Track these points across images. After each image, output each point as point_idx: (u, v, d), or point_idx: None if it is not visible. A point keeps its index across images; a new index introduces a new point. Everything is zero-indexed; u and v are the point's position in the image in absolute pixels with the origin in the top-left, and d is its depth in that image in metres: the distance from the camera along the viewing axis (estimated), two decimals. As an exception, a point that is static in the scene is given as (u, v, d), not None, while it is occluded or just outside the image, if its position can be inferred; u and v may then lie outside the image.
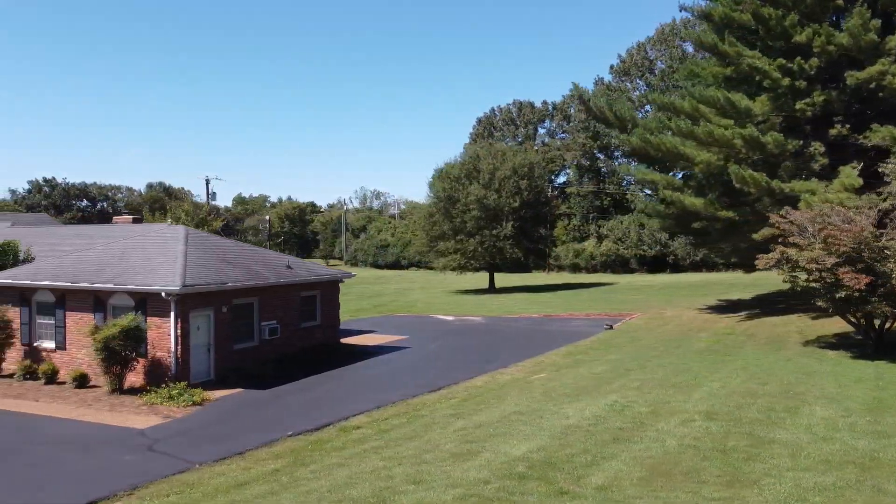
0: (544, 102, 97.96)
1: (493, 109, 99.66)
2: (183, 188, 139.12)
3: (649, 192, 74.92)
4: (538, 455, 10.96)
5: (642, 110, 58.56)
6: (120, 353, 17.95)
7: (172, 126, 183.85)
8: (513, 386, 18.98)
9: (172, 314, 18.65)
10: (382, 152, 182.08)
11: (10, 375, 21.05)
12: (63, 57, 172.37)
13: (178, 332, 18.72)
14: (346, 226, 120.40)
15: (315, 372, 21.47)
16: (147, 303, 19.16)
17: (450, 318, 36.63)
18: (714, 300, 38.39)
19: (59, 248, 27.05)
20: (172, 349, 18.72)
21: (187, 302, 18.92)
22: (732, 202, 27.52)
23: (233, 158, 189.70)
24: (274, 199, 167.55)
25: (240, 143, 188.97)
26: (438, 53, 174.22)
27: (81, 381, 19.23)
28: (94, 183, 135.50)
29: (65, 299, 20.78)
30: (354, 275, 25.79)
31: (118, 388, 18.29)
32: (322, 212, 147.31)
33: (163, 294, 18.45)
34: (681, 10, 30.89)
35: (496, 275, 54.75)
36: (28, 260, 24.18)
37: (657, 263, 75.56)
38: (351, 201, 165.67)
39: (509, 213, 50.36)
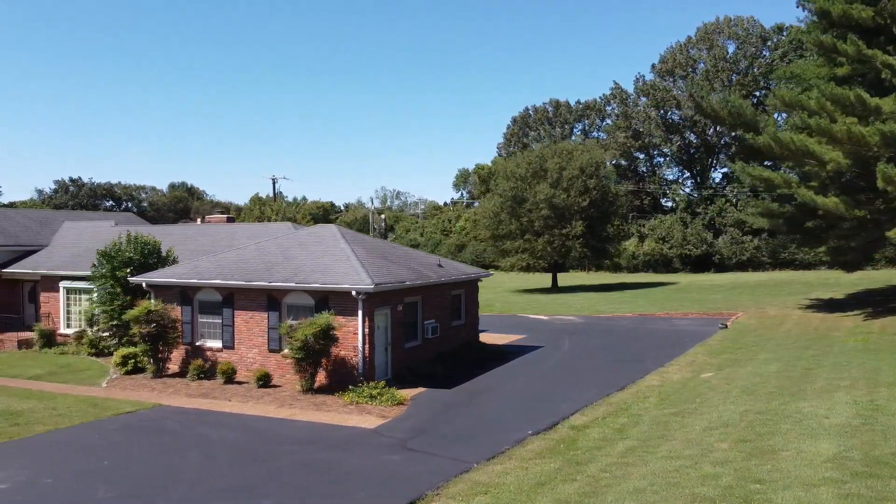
0: (578, 102, 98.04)
1: (527, 108, 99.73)
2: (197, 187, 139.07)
3: (753, 192, 75.08)
4: (856, 453, 10.88)
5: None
6: (318, 351, 17.88)
7: (178, 126, 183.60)
8: (696, 385, 18.93)
9: (360, 313, 18.57)
10: (398, 152, 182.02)
11: (178, 374, 21.01)
12: (67, 58, 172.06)
13: (366, 330, 18.65)
14: (374, 226, 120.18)
15: (480, 370, 21.43)
16: (329, 301, 19.08)
17: (543, 317, 36.59)
18: (802, 299, 38.28)
19: (187, 248, 27.00)
20: (360, 348, 18.65)
21: (373, 301, 18.87)
22: (857, 200, 27.48)
23: (242, 158, 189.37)
24: (288, 198, 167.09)
25: (250, 143, 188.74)
26: (450, 56, 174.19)
27: (265, 381, 19.17)
28: (119, 182, 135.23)
29: (233, 298, 20.70)
30: (492, 273, 25.65)
31: (310, 388, 18.22)
32: (345, 211, 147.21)
33: (353, 293, 18.38)
34: (798, 6, 30.64)
35: (542, 274, 54.73)
36: (171, 259, 24.06)
37: (701, 263, 75.43)
38: (372, 201, 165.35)
39: (578, 212, 50.34)
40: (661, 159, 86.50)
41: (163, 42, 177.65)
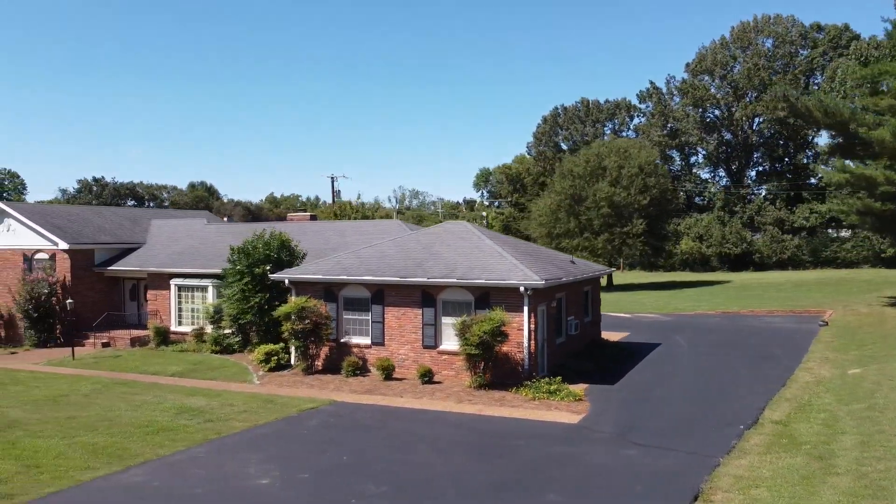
0: (607, 101, 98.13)
1: (556, 108, 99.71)
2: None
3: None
4: None
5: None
6: (491, 348, 17.90)
7: (186, 125, 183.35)
8: (857, 381, 18.92)
9: (526, 309, 18.58)
10: (413, 152, 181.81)
11: (323, 371, 21.00)
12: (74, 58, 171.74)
13: (532, 326, 18.66)
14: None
15: (624, 366, 21.48)
16: (491, 298, 19.09)
17: (625, 315, 36.60)
18: (879, 297, 38.27)
19: (302, 246, 26.95)
20: (525, 344, 18.66)
21: (538, 297, 18.88)
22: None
23: (253, 159, 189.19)
24: (301, 197, 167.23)
25: (260, 143, 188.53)
26: (463, 58, 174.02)
27: (428, 377, 19.18)
28: (141, 182, 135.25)
29: (383, 294, 20.70)
30: (614, 270, 25.66)
31: (485, 384, 18.24)
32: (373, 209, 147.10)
33: (521, 289, 18.39)
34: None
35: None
36: (301, 257, 24.02)
37: (740, 262, 75.41)
38: (390, 200, 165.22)
39: (638, 210, 50.38)
40: (697, 158, 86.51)
41: (166, 43, 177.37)
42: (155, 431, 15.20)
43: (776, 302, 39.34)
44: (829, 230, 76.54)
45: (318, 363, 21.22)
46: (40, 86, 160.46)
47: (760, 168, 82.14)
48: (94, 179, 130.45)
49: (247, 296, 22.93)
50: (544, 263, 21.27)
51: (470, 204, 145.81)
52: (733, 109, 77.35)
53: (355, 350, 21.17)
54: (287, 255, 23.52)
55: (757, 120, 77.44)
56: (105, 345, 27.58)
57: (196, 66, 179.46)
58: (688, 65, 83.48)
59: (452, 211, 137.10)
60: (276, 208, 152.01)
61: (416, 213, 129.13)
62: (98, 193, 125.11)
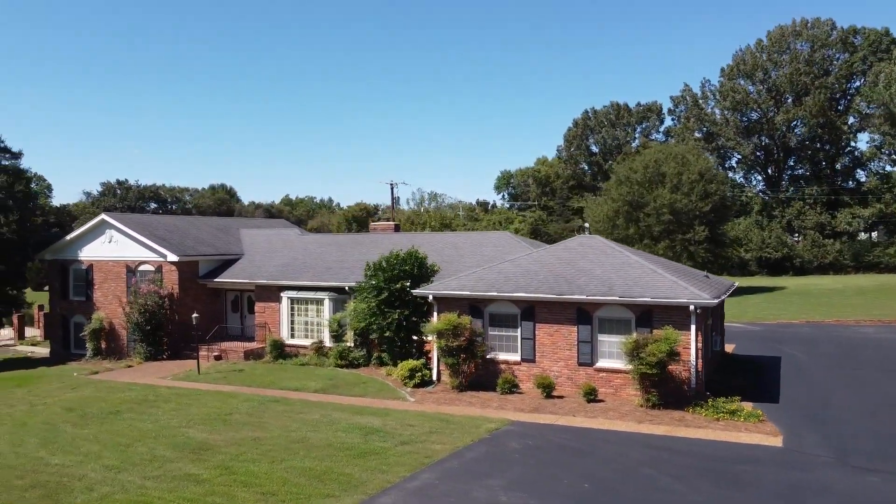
0: (638, 104, 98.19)
1: (586, 112, 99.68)
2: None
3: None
4: None
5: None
6: (665, 366, 17.85)
7: (194, 126, 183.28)
8: None
9: (693, 327, 18.52)
10: (428, 154, 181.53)
11: (470, 387, 20.89)
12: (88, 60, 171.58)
13: (699, 344, 18.61)
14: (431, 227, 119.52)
15: (771, 381, 21.41)
16: (654, 315, 19.04)
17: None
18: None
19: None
20: (692, 363, 18.61)
21: (704, 314, 18.82)
22: None
23: (268, 159, 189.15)
24: (314, 199, 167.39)
25: (271, 143, 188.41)
26: (477, 60, 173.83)
27: (592, 395, 19.11)
28: (163, 185, 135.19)
29: (534, 311, 20.65)
30: (735, 284, 25.65)
31: (659, 403, 18.18)
32: (389, 212, 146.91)
33: (690, 307, 18.34)
34: None
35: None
36: (433, 271, 23.94)
37: (778, 266, 75.36)
38: (408, 203, 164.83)
39: (699, 216, 50.32)
40: (730, 161, 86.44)
41: (171, 45, 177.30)
42: (359, 455, 15.10)
43: (855, 310, 39.30)
44: (869, 234, 76.72)
45: (465, 380, 21.13)
46: (48, 88, 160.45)
47: (797, 171, 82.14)
48: (118, 182, 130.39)
49: (384, 311, 22.84)
50: (691, 278, 21.23)
51: (483, 205, 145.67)
52: (772, 113, 77.32)
53: (503, 366, 21.11)
54: (421, 270, 23.43)
55: (797, 123, 77.40)
56: (217, 357, 27.49)
57: (198, 66, 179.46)
58: (723, 69, 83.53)
59: (471, 213, 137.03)
60: (294, 210, 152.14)
61: (441, 215, 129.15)
62: (122, 196, 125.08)
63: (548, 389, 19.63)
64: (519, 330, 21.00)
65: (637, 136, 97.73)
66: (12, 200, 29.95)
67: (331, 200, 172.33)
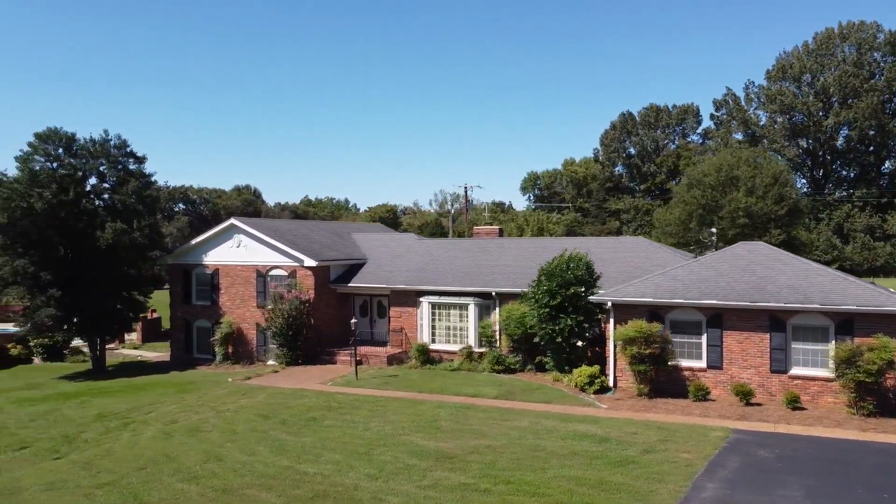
0: (674, 106, 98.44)
1: (622, 114, 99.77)
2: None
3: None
4: None
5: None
6: (883, 374, 17.90)
7: (205, 126, 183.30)
8: None
9: (902, 335, 18.59)
10: (449, 154, 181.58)
11: (650, 395, 20.93)
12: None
13: (904, 352, 18.66)
14: (453, 230, 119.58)
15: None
16: (854, 324, 19.10)
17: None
18: None
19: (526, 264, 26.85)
20: (900, 370, 18.66)
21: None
22: None
23: (285, 160, 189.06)
24: (333, 200, 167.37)
25: (292, 146, 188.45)
26: (496, 61, 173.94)
27: (794, 403, 19.14)
28: (191, 186, 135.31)
29: (721, 318, 20.70)
30: None
31: (875, 411, 18.20)
32: (413, 214, 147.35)
33: (901, 315, 18.42)
34: None
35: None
36: (598, 277, 23.93)
37: (827, 268, 75.17)
38: (431, 204, 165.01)
39: (774, 220, 50.48)
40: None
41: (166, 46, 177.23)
42: (615, 464, 15.00)
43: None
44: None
45: (650, 387, 21.15)
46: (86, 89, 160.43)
47: (844, 173, 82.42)
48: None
49: (554, 316, 22.86)
50: (872, 285, 21.30)
51: (499, 206, 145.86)
52: (820, 116, 77.53)
53: (686, 373, 21.17)
54: (589, 275, 23.44)
55: (845, 127, 77.60)
56: (359, 363, 27.48)
57: (202, 69, 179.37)
58: (768, 71, 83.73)
59: (494, 214, 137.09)
60: (318, 211, 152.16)
61: (470, 217, 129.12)
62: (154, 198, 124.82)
63: (746, 397, 19.66)
64: (704, 337, 21.05)
65: (676, 138, 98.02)
66: (142, 205, 29.91)
67: (347, 201, 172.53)
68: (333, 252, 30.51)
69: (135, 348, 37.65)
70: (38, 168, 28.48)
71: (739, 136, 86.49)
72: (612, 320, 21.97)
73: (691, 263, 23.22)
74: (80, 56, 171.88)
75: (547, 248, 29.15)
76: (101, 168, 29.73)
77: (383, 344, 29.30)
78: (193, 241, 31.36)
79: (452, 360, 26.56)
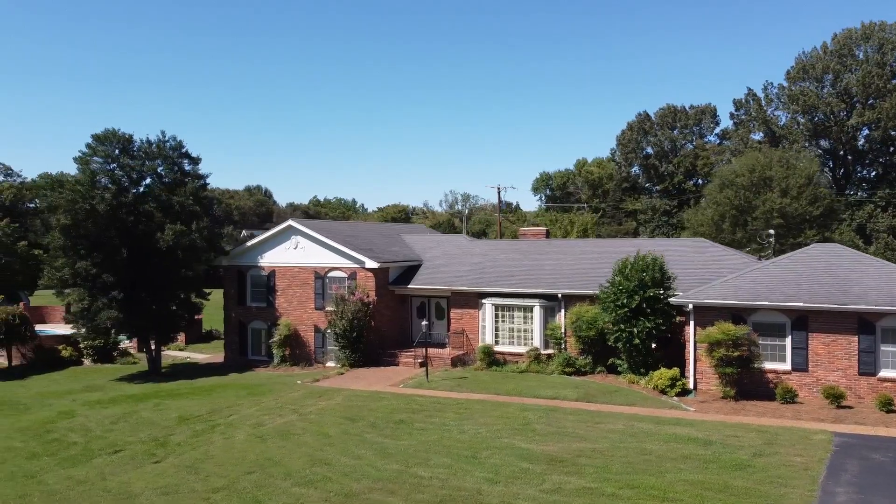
0: (692, 106, 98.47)
1: (639, 114, 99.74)
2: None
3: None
4: None
5: None
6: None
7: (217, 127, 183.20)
8: None
9: None
10: (455, 155, 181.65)
11: (741, 397, 20.85)
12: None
13: None
14: (467, 230, 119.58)
15: None
16: (950, 326, 19.06)
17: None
18: None
19: (588, 266, 26.77)
20: None
21: None
22: None
23: (293, 160, 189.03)
24: (341, 200, 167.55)
25: (300, 146, 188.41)
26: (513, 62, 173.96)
27: (889, 407, 19.06)
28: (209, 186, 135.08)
29: (807, 320, 20.63)
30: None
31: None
32: (424, 215, 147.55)
33: None
34: None
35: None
36: (670, 276, 23.81)
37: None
38: (440, 205, 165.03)
39: (809, 221, 50.39)
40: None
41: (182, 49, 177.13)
42: (734, 467, 14.82)
43: None
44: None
45: (735, 389, 21.06)
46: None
47: (865, 174, 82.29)
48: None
49: (630, 318, 22.78)
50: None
51: (507, 206, 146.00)
52: (842, 116, 77.47)
53: (770, 376, 21.09)
54: (663, 278, 23.36)
55: (866, 127, 77.50)
56: (422, 364, 27.44)
57: (207, 69, 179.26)
58: (788, 72, 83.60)
59: (505, 214, 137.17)
60: (329, 212, 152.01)
61: (484, 219, 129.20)
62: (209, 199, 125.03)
63: (837, 399, 19.57)
64: (789, 339, 20.98)
65: (693, 138, 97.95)
66: (200, 206, 29.82)
67: (354, 202, 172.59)
68: (390, 254, 30.41)
69: (180, 350, 37.54)
70: (97, 169, 28.38)
71: (758, 137, 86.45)
72: (692, 322, 21.92)
73: (767, 266, 23.15)
74: (80, 56, 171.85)
75: (606, 249, 29.12)
76: (159, 169, 29.63)
77: (442, 345, 29.23)
78: (249, 243, 31.29)
79: (517, 362, 26.48)
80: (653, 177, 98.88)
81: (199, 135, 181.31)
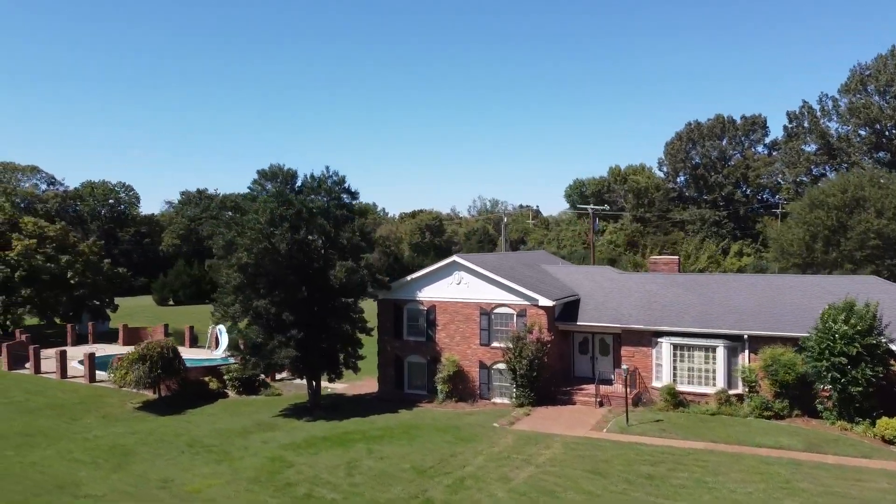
0: (743, 117, 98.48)
1: (688, 124, 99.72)
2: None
3: None
4: None
5: None
6: None
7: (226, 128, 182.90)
8: None
9: None
10: (486, 161, 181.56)
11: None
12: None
13: None
14: (506, 238, 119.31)
15: None
16: None
17: None
18: None
19: (805, 304, 26.78)
20: None
21: None
22: None
23: (306, 163, 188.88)
24: (365, 206, 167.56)
25: (321, 150, 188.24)
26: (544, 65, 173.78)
27: None
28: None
29: None
30: None
31: None
32: (458, 221, 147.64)
33: None
34: None
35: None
36: (881, 322, 23.68)
37: None
38: (469, 211, 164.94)
39: (909, 242, 50.39)
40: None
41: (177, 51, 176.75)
42: None
43: None
44: None
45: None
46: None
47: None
48: (198, 191, 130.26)
49: (844, 365, 22.77)
50: None
51: (528, 210, 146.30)
52: (904, 128, 77.54)
53: None
54: (877, 323, 23.32)
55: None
56: (600, 404, 27.43)
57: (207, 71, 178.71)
58: (844, 84, 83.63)
59: (535, 219, 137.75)
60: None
61: (522, 226, 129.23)
62: (205, 206, 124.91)
63: None
64: None
65: (742, 149, 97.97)
66: (365, 242, 29.78)
67: (375, 205, 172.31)
68: (555, 290, 30.36)
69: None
70: (271, 208, 28.30)
71: (811, 148, 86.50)
72: (915, 370, 21.94)
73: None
74: (80, 56, 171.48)
75: (780, 287, 28.94)
76: (325, 205, 29.56)
77: (608, 382, 29.20)
78: (409, 277, 31.24)
79: (699, 403, 26.49)
80: (701, 187, 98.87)
81: (199, 135, 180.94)
